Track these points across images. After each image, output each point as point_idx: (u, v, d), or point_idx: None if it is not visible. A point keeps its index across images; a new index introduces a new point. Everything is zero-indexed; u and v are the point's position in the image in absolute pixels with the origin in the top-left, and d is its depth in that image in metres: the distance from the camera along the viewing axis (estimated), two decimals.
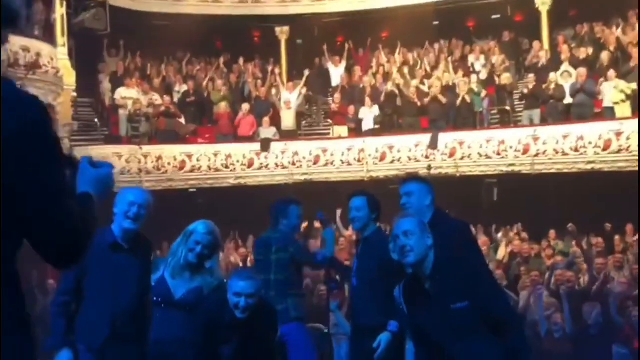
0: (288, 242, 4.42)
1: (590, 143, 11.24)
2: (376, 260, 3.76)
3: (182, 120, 13.38)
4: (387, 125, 13.31)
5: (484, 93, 12.97)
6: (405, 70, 14.13)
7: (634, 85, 11.16)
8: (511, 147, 11.95)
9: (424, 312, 2.92)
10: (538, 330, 7.05)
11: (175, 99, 13.72)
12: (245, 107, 13.29)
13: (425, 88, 13.18)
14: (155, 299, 3.53)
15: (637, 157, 10.58)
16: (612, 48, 12.37)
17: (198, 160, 12.83)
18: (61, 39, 11.56)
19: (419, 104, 13.00)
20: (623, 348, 6.84)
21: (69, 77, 11.59)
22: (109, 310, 3.33)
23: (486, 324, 2.85)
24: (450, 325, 2.84)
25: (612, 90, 11.27)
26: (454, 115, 12.75)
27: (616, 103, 11.10)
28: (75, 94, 11.90)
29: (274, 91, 14.05)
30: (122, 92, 13.15)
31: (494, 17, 15.73)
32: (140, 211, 3.39)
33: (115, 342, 3.33)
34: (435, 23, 15.56)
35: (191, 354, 3.41)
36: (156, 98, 13.35)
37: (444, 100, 12.78)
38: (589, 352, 6.49)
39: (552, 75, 12.09)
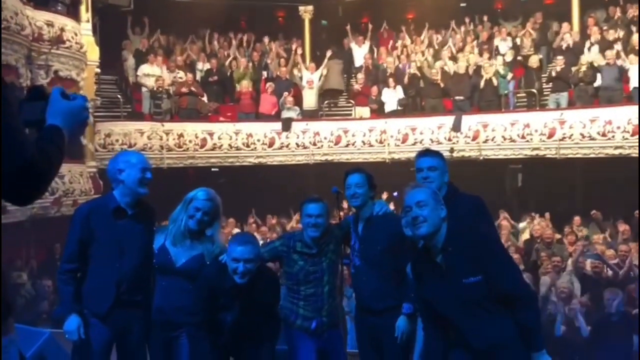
0: None
1: (618, 127, 10.94)
2: (382, 241, 3.67)
3: (205, 99, 13.37)
4: (410, 106, 13.13)
5: (510, 75, 12.70)
6: (430, 51, 13.90)
7: None
8: (536, 131, 11.70)
9: (434, 287, 2.84)
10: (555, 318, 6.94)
11: (198, 77, 13.70)
12: (270, 85, 13.20)
13: (449, 69, 12.95)
14: (157, 266, 3.54)
15: None
16: None
17: (219, 138, 12.83)
18: (85, 14, 11.58)
19: (442, 85, 12.79)
20: None
21: (93, 53, 11.62)
22: (114, 276, 3.35)
23: (498, 299, 2.77)
24: (461, 300, 2.76)
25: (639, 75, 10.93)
26: (478, 96, 12.51)
27: None
28: (98, 70, 11.93)
29: (295, 71, 13.94)
30: (145, 69, 13.18)
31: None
32: (148, 174, 3.43)
33: (120, 308, 3.36)
34: (463, 5, 15.25)
35: (193, 321, 3.40)
36: (180, 76, 13.35)
37: (468, 82, 12.55)
38: (609, 340, 6.35)
39: (583, 58, 11.77)
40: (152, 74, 13.06)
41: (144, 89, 12.99)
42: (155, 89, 12.79)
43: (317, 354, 3.78)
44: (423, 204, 2.82)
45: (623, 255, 8.48)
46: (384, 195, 10.60)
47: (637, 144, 10.78)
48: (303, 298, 3.79)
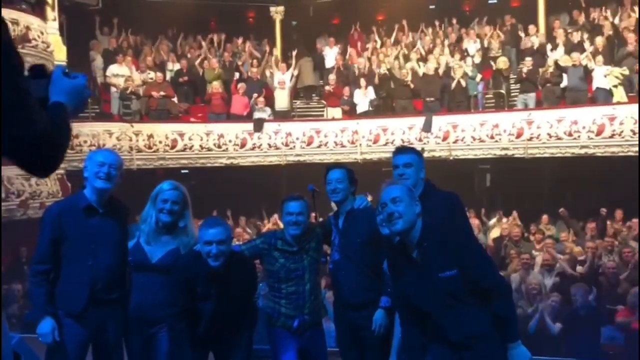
0: None
1: (583, 127, 11.21)
2: (362, 234, 3.70)
3: (175, 99, 13.24)
4: (381, 107, 13.23)
5: (479, 77, 12.90)
6: (400, 52, 14.03)
7: (626, 71, 11.11)
8: (505, 131, 11.91)
9: (411, 281, 2.88)
10: (528, 314, 7.08)
11: (168, 77, 13.57)
12: (241, 86, 13.15)
13: (419, 71, 13.10)
14: (132, 264, 3.50)
15: (633, 142, 10.58)
16: (607, 33, 12.31)
17: (190, 139, 12.73)
18: (51, 13, 11.37)
19: (412, 86, 12.92)
20: (612, 330, 6.89)
21: (60, 53, 11.41)
22: (88, 275, 3.30)
23: (473, 292, 2.82)
24: (438, 294, 2.80)
25: (604, 76, 11.22)
26: (448, 98, 12.68)
27: (614, 86, 11.04)
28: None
29: (267, 72, 13.92)
30: (114, 69, 13.00)
31: (490, 1, 15.62)
32: (111, 171, 3.35)
33: (95, 306, 3.31)
34: (432, 7, 15.45)
35: (171, 313, 3.38)
36: (151, 76, 13.20)
37: (438, 83, 12.71)
38: (577, 334, 6.50)
39: (549, 59, 12.03)
40: (121, 74, 12.88)
41: (112, 90, 12.80)
42: (124, 89, 12.62)
43: (299, 353, 3.78)
44: (398, 200, 2.85)
45: (592, 252, 8.72)
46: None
47: (601, 144, 11.07)
48: (285, 296, 3.78)
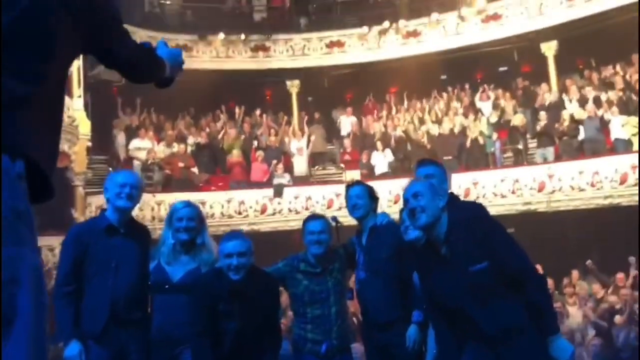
0: None
1: (606, 177, 11.12)
2: (387, 249, 3.64)
3: (195, 170, 13.47)
4: (399, 169, 13.30)
5: (495, 136, 13.01)
6: (415, 116, 14.28)
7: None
8: (526, 186, 11.85)
9: (442, 280, 2.79)
10: None
11: (189, 150, 13.87)
12: (260, 154, 13.38)
13: (434, 132, 13.27)
14: (153, 285, 3.46)
15: None
16: (619, 88, 12.48)
17: (211, 207, 12.81)
18: (77, 90, 11.85)
19: (429, 147, 13.04)
20: None
21: (85, 127, 11.80)
22: (108, 294, 3.25)
23: (507, 283, 2.71)
24: (470, 289, 2.70)
25: (621, 125, 11.28)
26: (466, 155, 12.74)
27: (634, 135, 11.07)
28: (90, 144, 12.06)
29: (286, 139, 14.21)
30: (136, 143, 13.35)
31: (501, 69, 15.96)
32: (133, 192, 3.36)
33: (116, 327, 3.24)
34: (443, 77, 15.83)
35: (194, 332, 3.28)
36: (175, 150, 13.53)
37: (454, 141, 12.83)
38: None
39: (564, 113, 12.15)
40: (143, 147, 13.21)
41: (135, 162, 13.08)
42: (146, 161, 12.89)
43: None
44: (419, 194, 2.80)
45: (628, 300, 8.42)
46: None
47: (626, 193, 10.94)
48: (310, 321, 3.69)
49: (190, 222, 3.50)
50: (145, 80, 1.74)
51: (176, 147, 13.41)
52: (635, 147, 11.10)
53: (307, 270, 3.71)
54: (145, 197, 12.54)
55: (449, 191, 3.64)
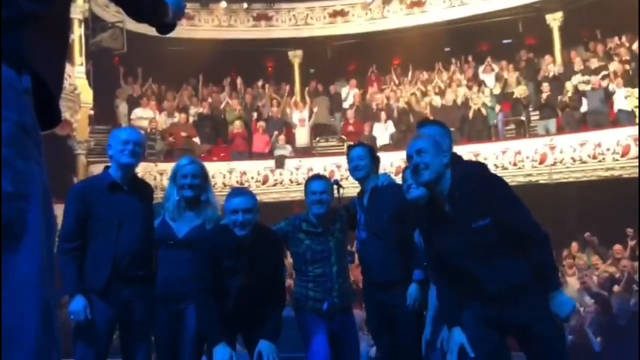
0: None
1: (608, 149, 11.10)
2: (388, 209, 3.67)
3: (197, 140, 13.47)
4: (402, 141, 13.27)
5: (497, 108, 12.95)
6: (418, 88, 14.20)
7: None
8: (528, 158, 11.83)
9: (445, 237, 2.80)
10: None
11: (191, 120, 13.85)
12: (261, 125, 13.36)
13: (437, 104, 13.21)
14: (158, 240, 3.48)
15: None
16: (624, 59, 12.36)
17: (213, 177, 12.77)
18: (79, 58, 11.79)
19: (431, 118, 12.97)
20: None
21: (87, 95, 11.77)
22: (111, 250, 3.27)
23: (510, 241, 2.73)
24: (473, 246, 2.72)
25: (624, 97, 11.21)
26: (468, 127, 12.70)
27: (636, 106, 11.01)
28: (92, 112, 12.04)
29: (287, 110, 14.16)
30: (138, 112, 13.33)
31: (505, 41, 15.80)
32: (136, 148, 3.37)
33: (121, 284, 3.28)
34: (447, 49, 15.67)
35: (198, 289, 3.33)
36: (175, 119, 13.50)
37: (457, 113, 12.78)
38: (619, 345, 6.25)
39: (568, 84, 12.07)
40: (145, 116, 13.19)
41: None
42: (149, 130, 12.89)
43: (330, 337, 3.68)
44: (423, 151, 2.79)
45: (627, 270, 8.49)
46: None
47: (628, 165, 10.92)
48: (312, 279, 3.74)
49: (195, 179, 3.50)
50: (147, 19, 1.69)
51: (178, 117, 13.39)
52: (638, 120, 11.06)
53: (308, 230, 3.75)
54: (147, 166, 12.57)
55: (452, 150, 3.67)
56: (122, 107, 13.93)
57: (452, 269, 2.83)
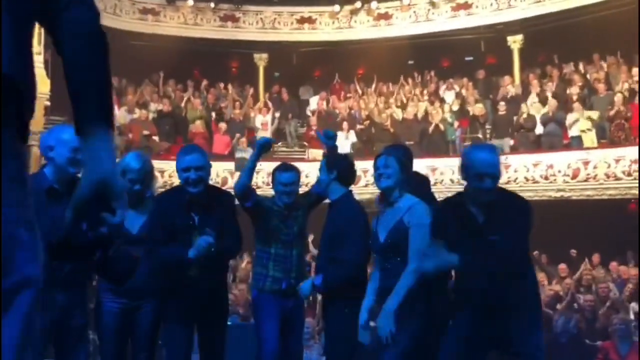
0: None
1: (559, 171, 11.48)
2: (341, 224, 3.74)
3: (156, 138, 13.28)
4: (362, 151, 13.42)
5: (456, 124, 13.24)
6: (381, 100, 14.39)
7: (596, 114, 11.56)
8: None
9: (469, 240, 2.99)
10: None
11: (151, 117, 13.65)
12: (221, 126, 13.27)
13: (398, 116, 13.42)
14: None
15: (603, 185, 10.86)
16: (579, 85, 12.84)
17: (170, 176, 12.65)
18: (37, 47, 11.45)
19: (392, 130, 13.18)
20: None
21: (44, 86, 11.44)
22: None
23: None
24: (491, 256, 3.01)
25: (579, 121, 11.64)
26: (427, 142, 12.94)
27: (583, 131, 11.43)
28: (48, 103, 11.73)
29: (251, 114, 14.13)
30: None
31: (467, 59, 16.19)
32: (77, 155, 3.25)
33: (55, 288, 3.04)
34: (410, 62, 15.94)
35: (150, 249, 3.28)
36: (134, 115, 13.27)
37: (417, 127, 13.00)
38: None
39: (524, 106, 12.44)
40: None
41: None
42: None
43: (281, 321, 3.82)
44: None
45: (569, 288, 8.82)
46: None
47: (577, 187, 11.33)
48: (273, 258, 3.85)
49: (139, 174, 3.43)
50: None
51: (138, 114, 13.18)
52: (586, 144, 11.48)
53: (278, 210, 3.89)
54: None
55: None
56: None
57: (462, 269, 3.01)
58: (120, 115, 13.10)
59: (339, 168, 3.80)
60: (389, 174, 3.26)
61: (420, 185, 3.64)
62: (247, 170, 3.91)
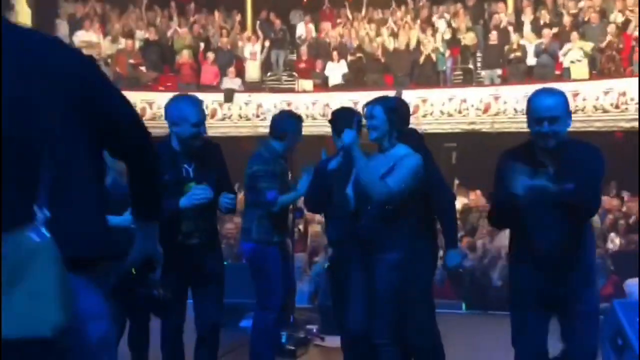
0: (254, 161, 4.02)
1: None
2: None
3: (143, 68, 13.07)
4: (353, 81, 13.31)
5: (447, 53, 13.08)
6: (372, 27, 14.10)
7: (589, 46, 11.45)
8: (472, 106, 12.14)
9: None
10: (491, 275, 7.37)
11: (137, 46, 13.37)
12: (209, 56, 13.04)
13: (390, 45, 13.21)
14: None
15: (591, 118, 10.96)
16: (572, 12, 12.62)
17: (159, 108, 12.56)
18: None
19: (383, 60, 13.04)
20: None
21: (24, 16, 11.12)
22: None
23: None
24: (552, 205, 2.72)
25: (565, 53, 11.57)
26: (418, 72, 12.84)
27: (572, 62, 11.37)
28: None
29: (239, 43, 13.85)
30: (81, 36, 12.74)
31: None
32: None
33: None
34: None
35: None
36: (120, 45, 12.98)
37: (408, 58, 12.85)
38: None
39: (515, 36, 12.28)
40: (88, 40, 12.64)
41: None
42: (94, 56, 12.40)
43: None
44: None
45: None
46: None
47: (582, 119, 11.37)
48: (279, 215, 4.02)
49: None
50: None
51: (123, 43, 12.89)
52: (577, 75, 11.45)
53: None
54: None
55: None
56: (63, 28, 13.27)
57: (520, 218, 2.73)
58: (105, 44, 12.82)
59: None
60: (375, 125, 3.18)
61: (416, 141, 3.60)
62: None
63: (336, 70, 13.13)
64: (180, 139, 3.23)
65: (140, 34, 13.76)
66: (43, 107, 1.30)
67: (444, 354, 3.49)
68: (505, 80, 12.29)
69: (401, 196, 3.08)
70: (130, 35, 13.54)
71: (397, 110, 3.32)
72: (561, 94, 2.80)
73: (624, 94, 10.80)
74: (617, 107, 10.91)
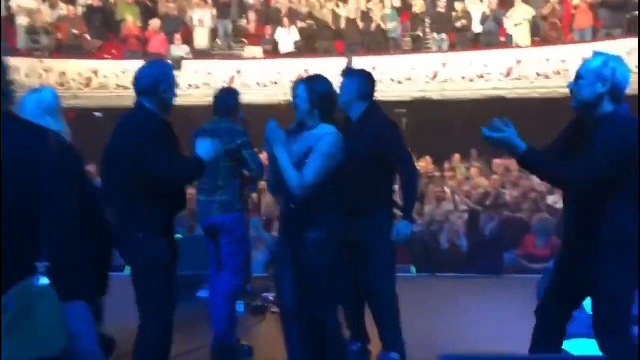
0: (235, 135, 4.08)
1: (495, 70, 11.79)
2: None
3: (87, 36, 12.64)
4: (303, 48, 13.24)
5: (398, 20, 13.14)
6: None
7: (530, 14, 11.75)
8: (422, 73, 12.30)
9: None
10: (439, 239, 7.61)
11: (80, 12, 12.90)
12: (155, 23, 12.71)
13: (341, 12, 13.17)
14: None
15: (533, 84, 11.32)
16: None
17: (105, 77, 12.24)
18: None
19: (334, 27, 13.00)
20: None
21: None
22: None
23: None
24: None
25: (507, 17, 11.85)
26: (368, 40, 12.87)
27: (516, 25, 11.65)
28: None
29: (189, 11, 13.53)
30: (19, 1, 12.18)
31: None
32: None
33: None
34: None
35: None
36: (62, 12, 12.48)
37: (358, 24, 12.86)
38: (483, 256, 7.04)
39: (461, 4, 12.46)
40: (27, 6, 12.10)
41: (19, 23, 12.03)
42: (32, 23, 11.90)
43: None
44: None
45: (496, 185, 9.42)
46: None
47: (513, 87, 11.72)
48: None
49: None
50: None
51: (65, 10, 12.40)
52: (516, 40, 11.75)
53: None
54: (32, 62, 11.75)
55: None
56: None
57: None
58: (45, 11, 12.31)
59: None
60: (297, 104, 3.08)
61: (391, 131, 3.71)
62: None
63: (287, 37, 13.02)
64: (168, 105, 3.17)
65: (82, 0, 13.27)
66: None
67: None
68: (453, 47, 12.48)
69: (316, 187, 2.99)
70: (71, 1, 13.04)
71: (321, 92, 3.16)
72: (600, 58, 2.67)
73: (565, 61, 11.14)
74: (558, 73, 11.25)
